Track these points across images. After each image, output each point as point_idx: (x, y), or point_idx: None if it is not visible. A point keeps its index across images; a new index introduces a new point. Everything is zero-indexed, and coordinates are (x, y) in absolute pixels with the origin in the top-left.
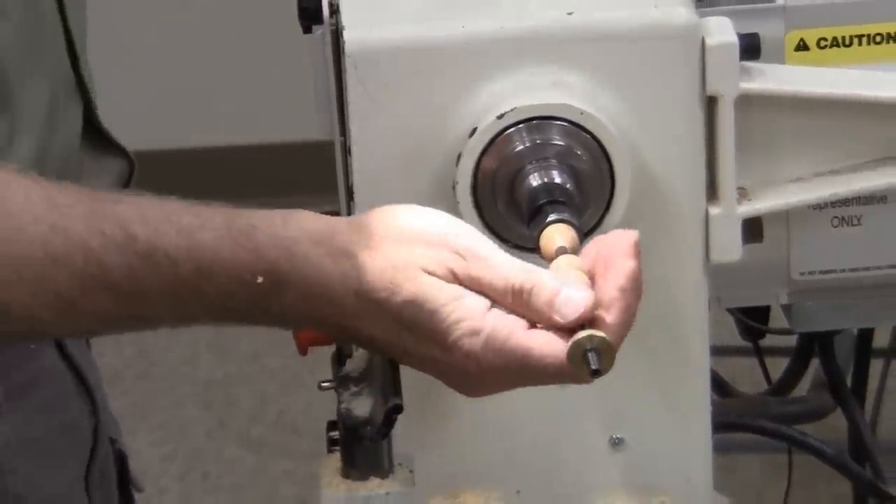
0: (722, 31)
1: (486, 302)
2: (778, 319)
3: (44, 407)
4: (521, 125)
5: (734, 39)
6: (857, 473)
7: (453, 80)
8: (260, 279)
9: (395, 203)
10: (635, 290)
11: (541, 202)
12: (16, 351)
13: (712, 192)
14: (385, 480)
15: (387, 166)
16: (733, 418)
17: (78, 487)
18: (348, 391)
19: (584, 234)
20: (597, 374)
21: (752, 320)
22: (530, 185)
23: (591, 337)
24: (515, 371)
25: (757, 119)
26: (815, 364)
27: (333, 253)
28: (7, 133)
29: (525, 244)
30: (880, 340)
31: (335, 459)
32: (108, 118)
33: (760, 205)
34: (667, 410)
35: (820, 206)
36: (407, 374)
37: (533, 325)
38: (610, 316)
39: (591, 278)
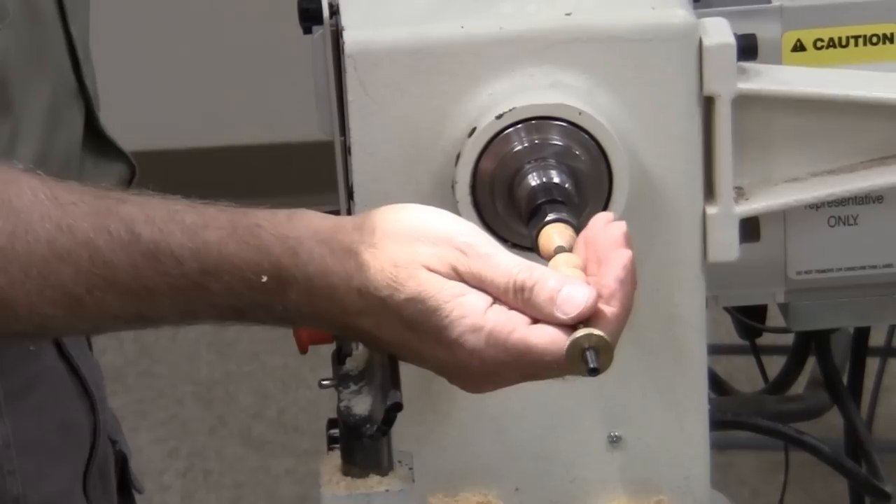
0: (719, 32)
1: (487, 299)
2: (775, 318)
3: (43, 407)
4: (519, 125)
5: (731, 40)
6: (854, 471)
7: (452, 80)
8: (265, 278)
9: (395, 202)
10: (632, 280)
11: (539, 201)
12: (15, 352)
13: (710, 191)
14: (385, 478)
15: (386, 166)
16: (730, 416)
17: (77, 487)
18: (348, 389)
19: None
20: (595, 372)
21: (750, 319)
22: (529, 185)
23: (589, 336)
24: (518, 366)
25: (754, 119)
26: (811, 362)
27: (337, 252)
28: (8, 136)
29: (524, 243)
30: (876, 339)
31: (335, 457)
32: (110, 118)
33: (757, 204)
34: (665, 408)
35: (816, 206)
36: (406, 372)
37: (535, 320)
38: (611, 308)
39: (585, 272)
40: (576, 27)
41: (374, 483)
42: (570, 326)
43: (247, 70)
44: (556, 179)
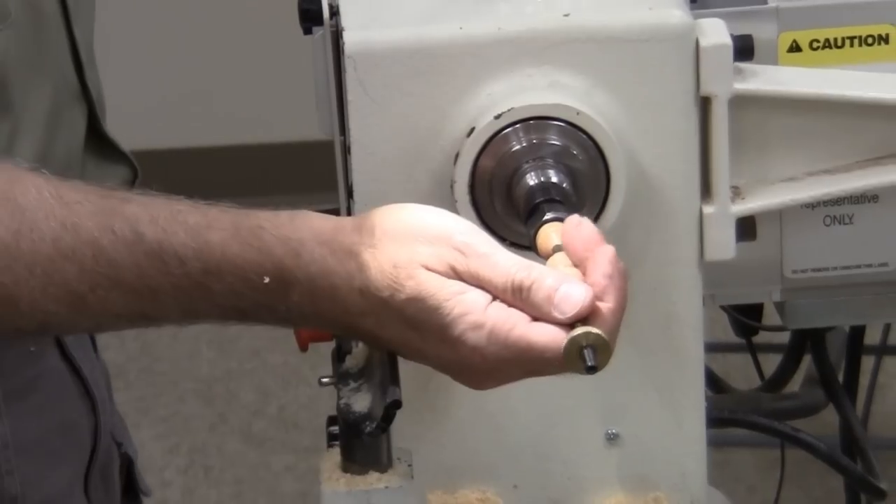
0: (716, 33)
1: (487, 296)
2: (771, 316)
3: (43, 408)
4: (518, 125)
5: (728, 41)
6: (849, 468)
7: (451, 80)
8: (267, 279)
9: (395, 201)
10: (620, 272)
11: (537, 201)
12: (17, 353)
13: (706, 191)
14: (384, 475)
15: (386, 165)
16: (727, 414)
17: (77, 488)
18: (348, 387)
19: None
20: (593, 370)
21: (746, 317)
22: (527, 184)
23: (587, 334)
24: (519, 363)
25: (750, 119)
26: (807, 360)
27: (338, 252)
28: (8, 135)
29: (522, 242)
30: (872, 337)
31: (335, 454)
32: (111, 117)
33: (754, 204)
34: (662, 406)
35: (812, 205)
36: (406, 370)
37: (535, 317)
38: (606, 304)
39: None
40: (574, 28)
41: (373, 480)
42: (568, 324)
43: (247, 70)
44: (554, 179)
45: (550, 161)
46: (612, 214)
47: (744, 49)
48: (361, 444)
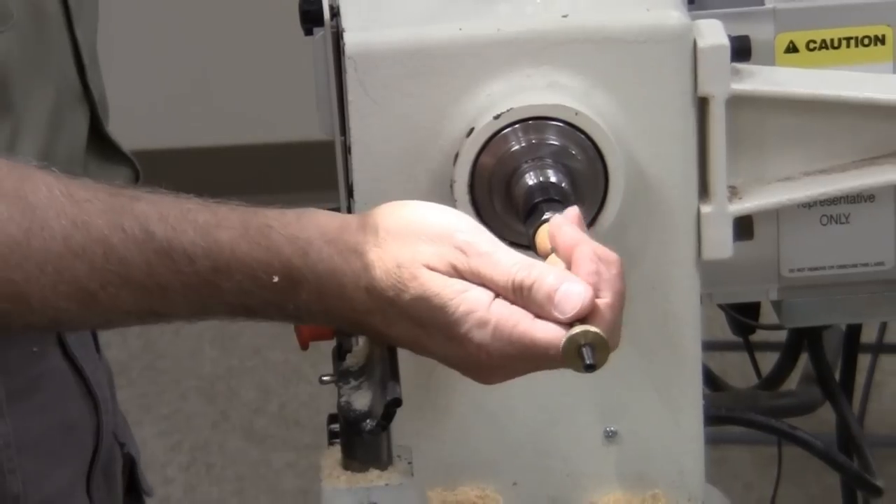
0: (713, 34)
1: (490, 294)
2: (768, 315)
3: (45, 408)
4: (517, 125)
5: (725, 42)
6: (846, 466)
7: (451, 81)
8: (276, 278)
9: (395, 200)
10: (613, 264)
11: (536, 200)
12: (20, 352)
13: (704, 190)
14: (384, 472)
15: (386, 165)
16: (724, 412)
17: (79, 487)
18: (348, 385)
19: None
20: (591, 368)
21: (743, 316)
22: (526, 184)
23: (585, 332)
24: (523, 359)
25: (747, 119)
26: (804, 359)
27: (344, 252)
28: (9, 136)
29: (521, 241)
30: (868, 336)
31: (336, 451)
32: (114, 118)
33: (751, 203)
34: (660, 404)
35: (809, 205)
36: (406, 368)
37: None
38: (602, 299)
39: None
40: (572, 29)
41: (373, 477)
42: (569, 322)
43: (248, 71)
44: (553, 179)
45: (549, 161)
46: (610, 214)
47: (741, 50)
48: (362, 441)
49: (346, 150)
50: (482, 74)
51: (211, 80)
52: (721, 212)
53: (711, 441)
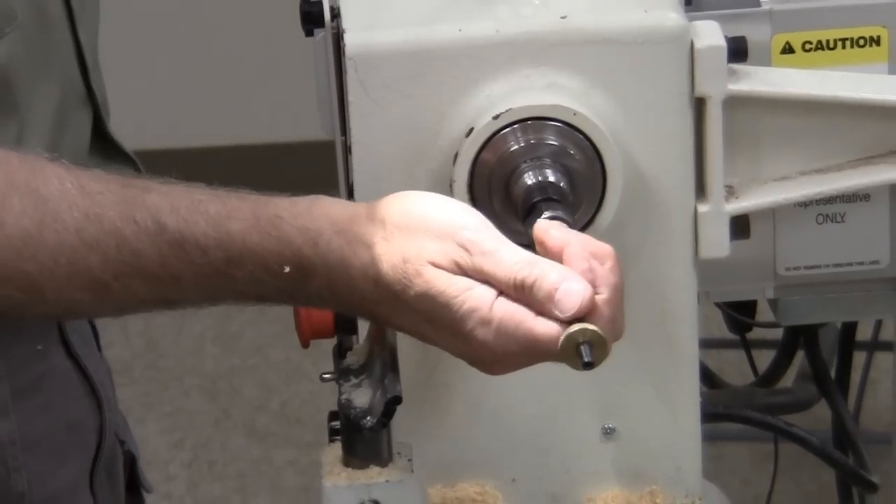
0: (710, 35)
1: (493, 291)
2: (764, 313)
3: (49, 406)
4: (516, 125)
5: (722, 43)
6: (841, 462)
7: (451, 81)
8: (287, 269)
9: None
10: (602, 255)
11: (535, 200)
12: (23, 351)
13: (701, 190)
14: (385, 469)
15: (386, 165)
16: (721, 409)
17: (83, 485)
18: (349, 383)
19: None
20: (590, 366)
21: (740, 314)
22: (525, 184)
23: (583, 330)
24: (526, 354)
25: (744, 119)
26: (800, 356)
27: (353, 243)
28: (15, 137)
29: (520, 240)
30: (863, 333)
31: (336, 448)
32: (115, 118)
33: (747, 202)
34: (657, 401)
35: (805, 204)
36: (406, 366)
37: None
38: (600, 295)
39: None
40: (571, 30)
41: (374, 474)
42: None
43: (250, 72)
44: (552, 178)
45: (548, 161)
46: (608, 213)
47: (738, 51)
48: (362, 438)
49: (347, 149)
50: (481, 75)
51: (212, 81)
52: (718, 211)
53: (709, 438)
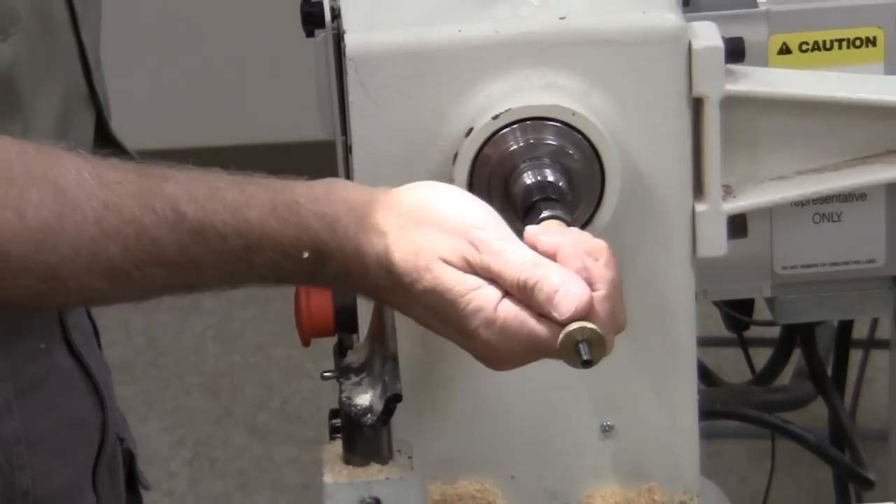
0: (708, 36)
1: (499, 292)
2: (762, 311)
3: (53, 404)
4: (515, 125)
5: (719, 43)
6: (838, 459)
7: (450, 82)
8: (306, 254)
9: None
10: (596, 251)
11: (534, 199)
12: (27, 350)
13: (699, 189)
14: (385, 466)
15: (386, 164)
16: (719, 406)
17: (86, 483)
18: (349, 381)
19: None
20: (588, 364)
21: (737, 312)
22: (524, 183)
23: (582, 329)
24: (529, 353)
25: (741, 119)
26: (797, 354)
27: (368, 232)
28: (19, 137)
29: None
30: (860, 332)
31: (337, 446)
32: (117, 118)
33: (745, 202)
34: (656, 399)
35: (802, 203)
36: (406, 364)
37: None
38: (598, 291)
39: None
40: (570, 31)
41: (374, 471)
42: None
43: (251, 72)
44: (551, 178)
45: (547, 160)
46: (606, 212)
47: (735, 51)
48: (362, 436)
49: (347, 149)
50: (481, 75)
51: (213, 81)
52: (715, 210)
53: (706, 435)
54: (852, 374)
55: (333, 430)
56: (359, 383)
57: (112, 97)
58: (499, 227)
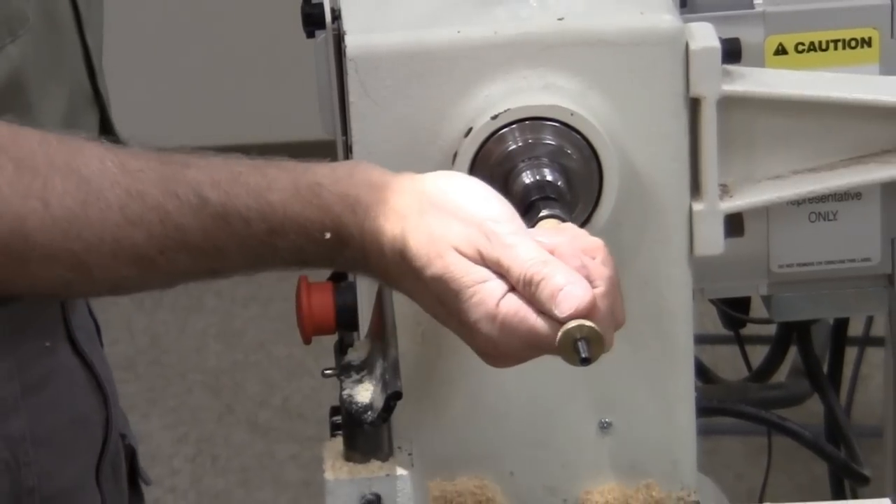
0: (705, 37)
1: (504, 287)
2: (758, 309)
3: (57, 402)
4: (514, 125)
5: (716, 44)
6: (833, 455)
7: (450, 82)
8: (328, 235)
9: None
10: (592, 249)
11: (533, 198)
12: (32, 348)
13: (696, 189)
14: (385, 463)
15: (386, 164)
16: (716, 403)
17: (89, 480)
18: (350, 379)
19: None
20: (587, 361)
21: (734, 310)
22: (523, 183)
23: (580, 327)
24: (529, 349)
25: (738, 119)
26: (793, 352)
27: (388, 213)
28: None
29: None
30: (855, 329)
31: (338, 443)
32: (117, 118)
33: (741, 201)
34: (653, 396)
35: (798, 203)
36: (406, 362)
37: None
38: (596, 288)
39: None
40: (568, 32)
41: (375, 468)
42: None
43: (252, 73)
44: (549, 177)
45: (545, 160)
46: (604, 212)
47: (732, 52)
48: (363, 433)
49: (348, 149)
50: (480, 76)
51: (214, 82)
52: (712, 209)
53: (703, 432)
54: (848, 372)
55: (334, 428)
56: (359, 381)
57: (113, 97)
58: (514, 221)
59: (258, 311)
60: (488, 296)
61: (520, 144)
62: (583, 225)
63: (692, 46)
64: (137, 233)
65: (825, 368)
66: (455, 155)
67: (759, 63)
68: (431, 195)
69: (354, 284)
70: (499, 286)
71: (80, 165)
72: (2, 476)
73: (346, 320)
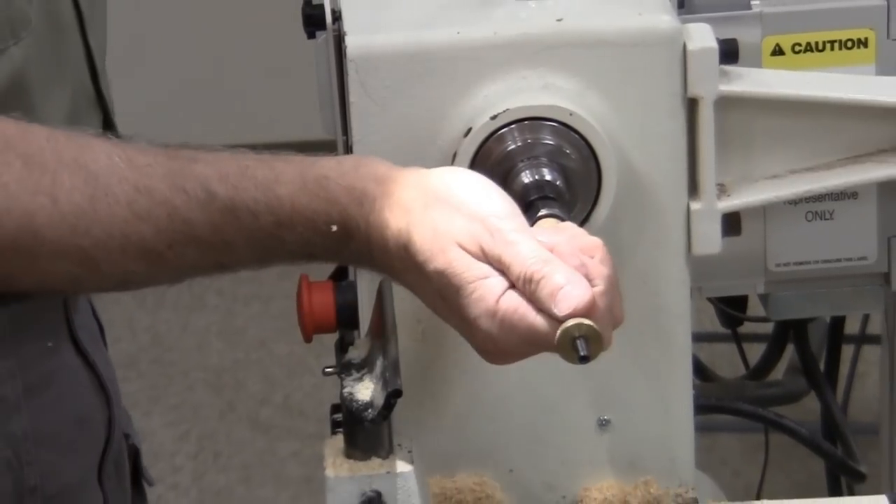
0: (702, 37)
1: (504, 284)
2: (755, 308)
3: (60, 401)
4: (513, 125)
5: (714, 45)
6: (830, 452)
7: (449, 82)
8: (334, 228)
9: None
10: (591, 248)
11: (532, 198)
12: (34, 348)
13: (693, 188)
14: (385, 460)
15: None
16: (713, 401)
17: (92, 479)
18: (351, 377)
19: None
20: (585, 360)
21: (731, 309)
22: (522, 182)
23: (579, 325)
24: (528, 346)
25: (735, 119)
26: (790, 350)
27: (394, 206)
28: None
29: None
30: (851, 327)
31: (339, 441)
32: (118, 119)
33: (739, 200)
34: (651, 393)
35: (795, 202)
36: (406, 360)
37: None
38: (597, 287)
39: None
40: (567, 32)
41: (375, 465)
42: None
43: (253, 73)
44: (548, 177)
45: (544, 160)
46: (603, 211)
47: (729, 52)
48: (364, 431)
49: (348, 149)
50: (479, 76)
51: (214, 82)
52: (710, 209)
53: (701, 429)
54: (844, 369)
55: (335, 425)
56: (360, 379)
57: (115, 98)
58: (516, 218)
59: (259, 309)
60: (489, 292)
61: (519, 144)
62: (581, 224)
63: (690, 47)
64: (146, 228)
65: (822, 366)
66: (455, 155)
67: (757, 63)
68: (436, 190)
69: (355, 283)
70: (499, 283)
71: (88, 161)
72: (4, 475)
73: (346, 319)
